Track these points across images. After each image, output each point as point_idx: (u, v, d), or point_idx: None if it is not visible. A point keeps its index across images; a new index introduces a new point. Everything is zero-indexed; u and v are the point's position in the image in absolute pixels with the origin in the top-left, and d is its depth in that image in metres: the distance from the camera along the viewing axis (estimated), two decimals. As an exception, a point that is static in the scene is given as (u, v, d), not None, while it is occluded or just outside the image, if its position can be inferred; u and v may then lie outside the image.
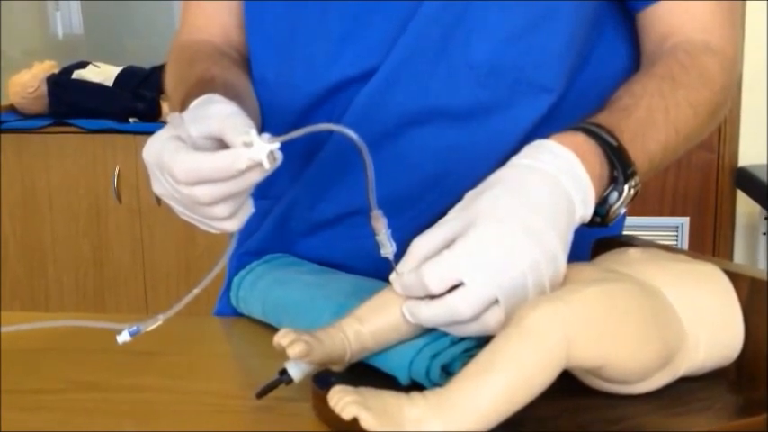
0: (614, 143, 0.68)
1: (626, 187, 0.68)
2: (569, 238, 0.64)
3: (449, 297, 0.60)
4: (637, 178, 0.69)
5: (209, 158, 0.62)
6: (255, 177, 0.63)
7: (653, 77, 0.77)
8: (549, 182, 0.64)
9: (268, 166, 0.62)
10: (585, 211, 0.66)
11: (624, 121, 0.71)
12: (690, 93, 0.76)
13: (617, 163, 0.68)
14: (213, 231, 0.69)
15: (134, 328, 0.68)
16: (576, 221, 0.65)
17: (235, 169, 0.62)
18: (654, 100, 0.74)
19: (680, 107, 0.75)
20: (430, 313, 0.62)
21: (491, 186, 0.64)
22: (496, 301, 0.60)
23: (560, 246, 0.62)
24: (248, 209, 0.68)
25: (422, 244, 0.63)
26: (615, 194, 0.68)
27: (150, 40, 3.07)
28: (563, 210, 0.63)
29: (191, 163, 0.63)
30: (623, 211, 0.70)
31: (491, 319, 0.61)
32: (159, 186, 0.67)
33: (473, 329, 0.61)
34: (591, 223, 0.68)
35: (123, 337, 0.69)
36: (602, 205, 0.69)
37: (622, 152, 0.68)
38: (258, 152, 0.61)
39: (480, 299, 0.60)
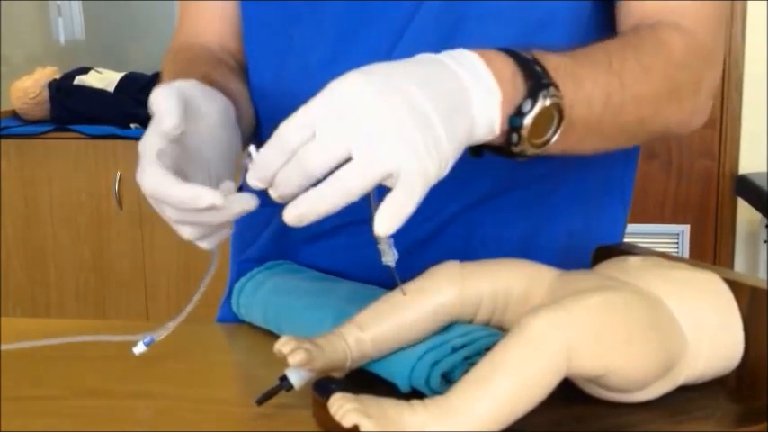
0: (529, 58, 0.64)
1: (540, 96, 0.63)
2: (456, 108, 0.59)
3: (300, 152, 0.57)
4: (554, 91, 0.63)
5: (172, 187, 0.62)
6: (222, 218, 0.63)
7: (599, 41, 0.73)
8: (428, 60, 0.61)
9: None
10: (488, 97, 0.60)
11: (552, 56, 0.67)
12: (640, 54, 0.72)
13: (530, 73, 0.63)
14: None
15: (148, 338, 0.69)
16: (473, 99, 0.60)
17: (193, 206, 0.62)
18: (595, 51, 0.71)
19: (626, 62, 0.71)
20: (283, 175, 0.58)
21: None
22: (352, 151, 0.56)
23: (430, 106, 0.57)
24: (226, 231, 0.67)
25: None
26: (528, 102, 0.63)
27: (152, 46, 3.08)
28: (441, 78, 0.59)
29: (155, 182, 0.63)
30: (553, 138, 0.64)
31: (346, 175, 0.56)
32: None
33: (327, 189, 0.56)
34: (509, 146, 0.64)
35: (139, 349, 0.69)
36: (516, 116, 0.63)
37: (537, 65, 0.64)
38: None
39: (329, 148, 0.56)
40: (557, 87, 0.64)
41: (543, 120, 0.64)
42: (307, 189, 0.57)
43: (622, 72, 0.70)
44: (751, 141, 2.74)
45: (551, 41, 0.80)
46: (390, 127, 0.56)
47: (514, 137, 0.63)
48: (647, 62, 0.72)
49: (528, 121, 0.63)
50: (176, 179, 0.63)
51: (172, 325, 0.69)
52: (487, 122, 0.61)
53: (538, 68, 0.64)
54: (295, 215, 0.57)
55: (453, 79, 0.60)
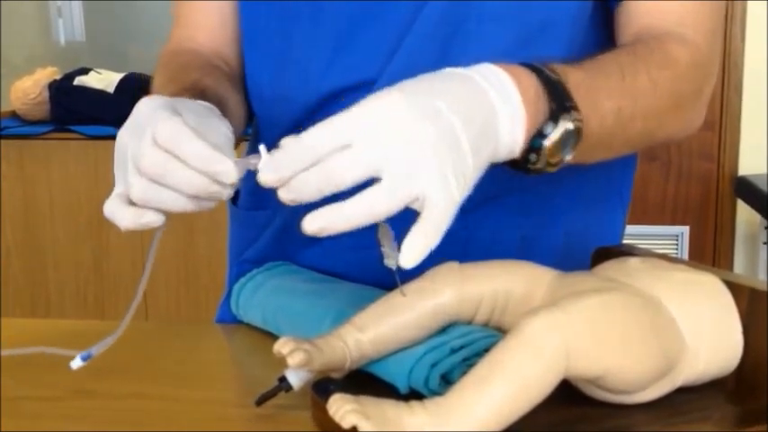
0: (553, 77, 0.65)
1: (561, 120, 0.64)
2: (485, 132, 0.59)
3: (330, 160, 0.56)
4: (576, 114, 0.65)
5: (192, 140, 0.60)
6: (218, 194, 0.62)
7: (612, 50, 0.75)
8: (463, 79, 0.60)
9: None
10: (514, 122, 0.61)
11: (573, 72, 0.67)
12: (651, 68, 0.73)
13: (553, 94, 0.64)
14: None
15: (86, 353, 0.68)
16: (500, 122, 0.60)
17: (208, 168, 0.60)
18: (609, 64, 0.72)
19: (638, 76, 0.72)
20: (304, 179, 0.56)
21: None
22: (384, 172, 0.55)
23: (463, 133, 0.57)
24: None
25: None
26: (551, 125, 0.64)
27: (152, 47, 3.06)
28: (475, 102, 0.59)
29: (175, 131, 0.60)
30: (568, 157, 0.66)
31: (375, 197, 0.55)
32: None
33: (354, 208, 0.56)
34: (527, 164, 0.64)
35: (77, 363, 0.69)
36: (538, 137, 0.64)
37: (561, 86, 0.65)
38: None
39: (363, 163, 0.55)
40: (578, 110, 0.65)
41: (563, 142, 0.65)
42: (324, 199, 0.57)
43: (634, 87, 0.71)
44: (750, 143, 2.74)
45: (551, 44, 0.80)
46: (426, 153, 0.56)
47: (533, 156, 0.64)
48: (655, 76, 0.73)
49: (549, 143, 0.64)
50: (196, 135, 0.61)
51: (108, 341, 0.68)
52: (510, 145, 0.62)
53: (561, 89, 0.64)
54: (317, 227, 0.56)
55: (485, 103, 0.60)
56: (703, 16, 0.80)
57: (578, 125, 0.65)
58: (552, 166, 0.66)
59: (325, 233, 0.56)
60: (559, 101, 0.64)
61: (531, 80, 0.63)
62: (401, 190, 0.55)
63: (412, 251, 0.56)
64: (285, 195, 0.58)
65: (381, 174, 0.55)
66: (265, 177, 0.58)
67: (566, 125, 0.64)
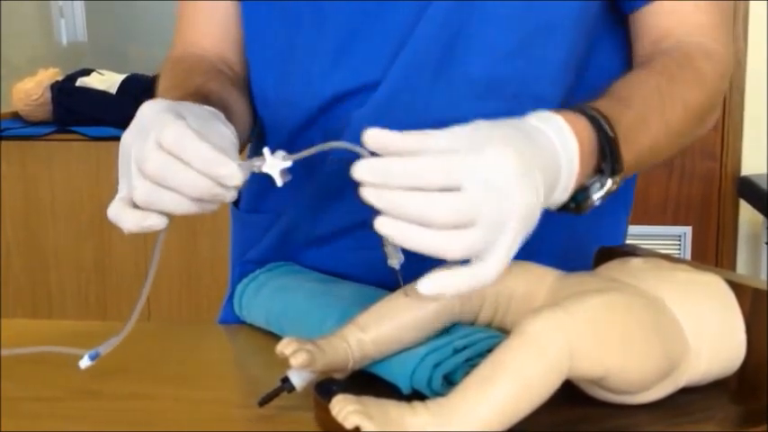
0: (612, 135, 0.66)
1: (609, 181, 0.67)
2: (546, 200, 0.61)
3: (436, 197, 0.55)
4: (622, 174, 0.67)
5: (195, 141, 0.61)
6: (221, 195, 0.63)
7: (651, 72, 0.77)
8: (541, 136, 0.61)
9: (281, 183, 0.62)
10: (566, 188, 0.62)
11: (623, 115, 0.69)
12: (684, 91, 0.76)
13: (609, 156, 0.66)
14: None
15: (93, 351, 0.69)
16: (558, 187, 0.62)
17: (212, 171, 0.61)
18: (651, 95, 0.74)
19: (674, 105, 0.75)
20: (402, 199, 0.55)
21: (486, 124, 0.60)
22: (473, 225, 0.55)
23: (541, 205, 0.58)
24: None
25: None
26: (597, 185, 0.67)
27: (154, 48, 3.07)
28: (553, 170, 0.61)
29: (179, 134, 0.61)
30: (599, 202, 0.68)
31: (468, 238, 0.55)
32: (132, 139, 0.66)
33: (441, 241, 0.55)
34: (564, 208, 0.66)
35: (85, 363, 0.69)
36: (581, 192, 0.66)
37: (616, 146, 0.67)
38: (271, 166, 0.62)
39: (469, 213, 0.55)
40: (623, 169, 0.67)
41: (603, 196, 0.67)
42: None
43: (670, 120, 0.74)
44: (753, 143, 2.74)
45: (554, 45, 0.80)
46: (513, 219, 0.56)
47: (572, 205, 0.66)
48: (687, 97, 0.76)
49: (589, 202, 0.66)
50: (200, 137, 0.62)
51: (115, 340, 0.68)
52: (554, 204, 0.63)
53: (616, 151, 0.66)
54: (390, 232, 0.56)
55: (557, 172, 0.61)
56: (720, 21, 0.82)
57: (620, 181, 0.67)
58: (584, 211, 0.68)
59: (393, 240, 0.56)
60: (612, 161, 0.66)
61: (587, 134, 0.64)
62: (486, 243, 0.56)
63: (436, 284, 0.56)
64: (373, 199, 0.56)
65: (474, 223, 0.55)
66: (360, 174, 0.56)
67: (611, 185, 0.66)
